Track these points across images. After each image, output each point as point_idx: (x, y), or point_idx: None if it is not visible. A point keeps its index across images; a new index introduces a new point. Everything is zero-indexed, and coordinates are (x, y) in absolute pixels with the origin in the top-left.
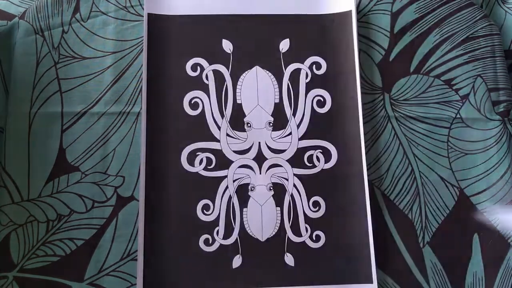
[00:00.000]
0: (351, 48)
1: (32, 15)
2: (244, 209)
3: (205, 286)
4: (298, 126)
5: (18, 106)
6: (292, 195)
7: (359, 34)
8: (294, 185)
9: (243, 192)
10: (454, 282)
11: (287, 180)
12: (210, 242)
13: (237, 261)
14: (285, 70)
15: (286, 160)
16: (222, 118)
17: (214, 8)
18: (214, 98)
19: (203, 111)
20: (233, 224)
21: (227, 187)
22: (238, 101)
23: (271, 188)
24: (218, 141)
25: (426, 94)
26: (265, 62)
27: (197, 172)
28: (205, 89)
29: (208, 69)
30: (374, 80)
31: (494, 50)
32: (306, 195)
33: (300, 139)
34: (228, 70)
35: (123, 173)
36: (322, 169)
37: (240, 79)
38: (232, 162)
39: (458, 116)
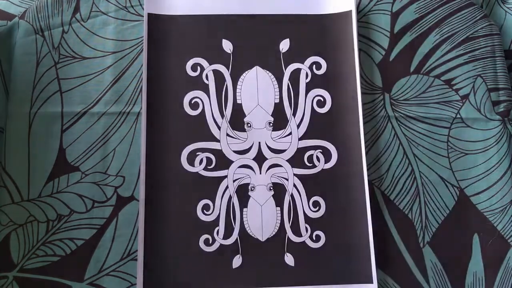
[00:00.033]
0: (351, 48)
1: (32, 15)
2: (244, 209)
3: (205, 286)
4: (298, 126)
5: (18, 106)
6: (292, 195)
7: (359, 34)
8: (294, 185)
9: (243, 192)
10: (454, 282)
11: (287, 180)
12: (210, 242)
13: (237, 261)
14: (285, 70)
15: (286, 160)
16: (222, 118)
17: (214, 8)
18: (214, 98)
19: (203, 111)
20: (233, 224)
21: (227, 187)
22: (238, 101)
23: (271, 188)
24: (218, 141)
25: (426, 94)
26: (265, 62)
27: (197, 172)
28: (205, 89)
29: (208, 69)
30: (374, 80)
31: (494, 50)
32: (306, 195)
33: (300, 139)
34: (228, 70)
35: (123, 173)
36: (322, 169)
37: (240, 79)
38: (232, 162)
39: (458, 116)
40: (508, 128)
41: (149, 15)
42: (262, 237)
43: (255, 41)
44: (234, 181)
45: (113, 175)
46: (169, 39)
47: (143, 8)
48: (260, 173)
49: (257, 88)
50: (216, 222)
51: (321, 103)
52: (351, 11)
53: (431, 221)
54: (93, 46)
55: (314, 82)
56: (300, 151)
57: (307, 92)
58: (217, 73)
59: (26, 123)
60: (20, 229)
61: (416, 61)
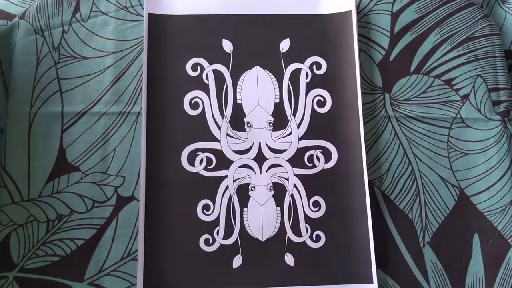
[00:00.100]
0: (351, 48)
1: (32, 15)
2: (244, 209)
3: (205, 286)
4: (298, 126)
5: (18, 106)
6: (292, 195)
7: (359, 34)
8: (294, 185)
9: (243, 192)
10: (454, 282)
11: (287, 180)
12: (210, 242)
13: (237, 261)
14: (285, 70)
15: (286, 160)
16: (222, 118)
17: (214, 8)
18: (214, 98)
19: (203, 111)
20: (233, 224)
21: (227, 187)
22: (238, 101)
23: (271, 188)
24: (218, 141)
25: (426, 94)
26: (265, 62)
27: (197, 172)
28: (205, 89)
29: (208, 69)
30: (374, 80)
31: (494, 50)
32: (306, 195)
33: (300, 139)
34: (228, 70)
35: (123, 173)
36: (322, 169)
37: (240, 79)
38: (232, 162)
39: (458, 116)
40: (508, 128)
41: (149, 15)
42: (262, 237)
43: (255, 41)
44: (234, 181)
45: (113, 175)
46: (169, 39)
47: (143, 8)
48: (260, 173)
49: (257, 88)
50: (216, 222)
51: (321, 103)
52: (351, 11)
53: (431, 221)
54: (93, 46)
55: (314, 82)
56: (300, 151)
57: (307, 92)
58: (217, 73)
59: (26, 123)
60: (20, 229)
61: (416, 61)
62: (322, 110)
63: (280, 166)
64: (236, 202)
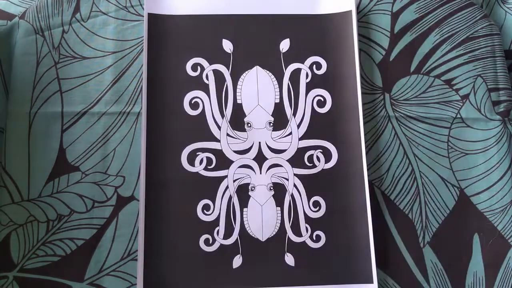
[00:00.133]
0: (351, 48)
1: (32, 15)
2: (245, 209)
3: (205, 286)
4: (299, 126)
5: (18, 106)
6: (292, 195)
7: (359, 34)
8: (295, 185)
9: (243, 192)
10: (455, 282)
11: (287, 180)
12: (210, 242)
13: (237, 261)
14: (285, 70)
15: (287, 160)
16: (223, 118)
17: (214, 8)
18: (214, 98)
19: (203, 111)
20: (234, 224)
21: (227, 187)
22: (239, 101)
23: (271, 188)
24: (219, 141)
25: (426, 94)
26: (265, 62)
27: (197, 172)
28: (205, 89)
29: (208, 69)
30: (374, 80)
31: (494, 50)
32: (307, 195)
33: (300, 139)
34: (228, 70)
35: (123, 173)
36: (322, 169)
37: (240, 79)
38: (232, 162)
39: (458, 116)
40: (508, 128)
41: (149, 15)
42: (262, 237)
43: (255, 41)
44: (234, 181)
45: (113, 175)
46: (169, 39)
47: (143, 8)
48: (260, 173)
49: (257, 88)
50: (216, 222)
51: (321, 103)
52: (351, 11)
53: (431, 221)
54: (93, 46)
55: (314, 82)
56: (300, 151)
57: (307, 92)
58: (217, 73)
59: (26, 123)
60: (20, 229)
61: (416, 61)
62: (322, 110)
63: (280, 166)
64: (236, 202)
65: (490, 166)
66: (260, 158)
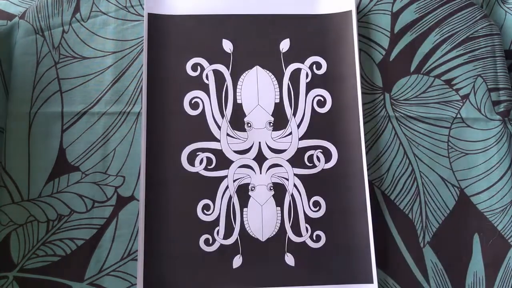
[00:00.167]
0: (351, 48)
1: (32, 15)
2: (245, 209)
3: (205, 286)
4: (299, 126)
5: (18, 106)
6: (292, 195)
7: (359, 34)
8: (295, 185)
9: (244, 192)
10: (455, 282)
11: (287, 180)
12: (211, 242)
13: (237, 261)
14: (285, 70)
15: (287, 160)
16: (223, 118)
17: (214, 8)
18: (215, 98)
19: (203, 111)
20: (234, 224)
21: (227, 187)
22: (239, 101)
23: (272, 188)
24: (219, 141)
25: (427, 94)
26: (265, 62)
27: (197, 172)
28: (205, 89)
29: (208, 69)
30: (374, 80)
31: (494, 50)
32: (307, 195)
33: (300, 139)
34: (228, 70)
35: (123, 173)
36: (322, 169)
37: (240, 79)
38: (232, 162)
39: (458, 116)
40: (508, 128)
41: (149, 15)
42: (263, 237)
43: (255, 41)
44: (234, 181)
45: (113, 175)
46: (169, 39)
47: (143, 8)
48: (260, 173)
49: (257, 88)
50: (216, 222)
51: (321, 103)
52: (351, 11)
53: (431, 221)
54: (93, 46)
55: (314, 82)
56: (300, 151)
57: (307, 92)
58: (217, 73)
59: (26, 123)
60: (20, 229)
61: (416, 61)
62: (322, 110)
63: (280, 166)
64: (236, 202)
65: (490, 166)
66: (260, 158)
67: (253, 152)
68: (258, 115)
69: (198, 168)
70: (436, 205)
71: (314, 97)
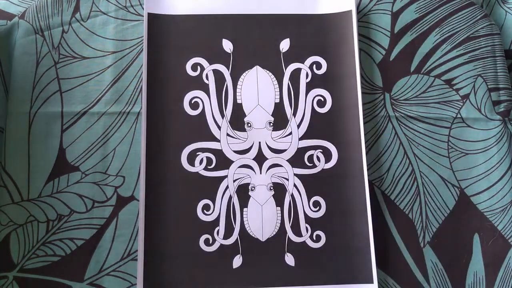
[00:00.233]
0: (351, 48)
1: (32, 15)
2: (245, 209)
3: (205, 286)
4: (299, 126)
5: (18, 106)
6: (292, 195)
7: (359, 34)
8: (295, 185)
9: (244, 192)
10: (455, 282)
11: (287, 180)
12: (211, 242)
13: (237, 261)
14: (285, 70)
15: (287, 160)
16: (223, 118)
17: (214, 8)
18: (214, 98)
19: (203, 111)
20: (234, 224)
21: (227, 187)
22: (239, 101)
23: (272, 188)
24: (218, 141)
25: (427, 94)
26: (265, 62)
27: (197, 172)
28: (205, 89)
29: (208, 69)
30: (374, 80)
31: (495, 50)
32: (307, 195)
33: (300, 139)
34: (228, 70)
35: (123, 173)
36: (322, 169)
37: (240, 79)
38: (232, 162)
39: (458, 116)
40: (508, 128)
41: (149, 15)
42: (263, 237)
43: (255, 41)
44: (234, 181)
45: (113, 175)
46: (169, 39)
47: (143, 8)
48: (260, 173)
49: (257, 88)
50: (216, 222)
51: (322, 103)
52: (351, 11)
53: (431, 221)
54: (93, 46)
55: (314, 82)
56: (301, 151)
57: (307, 92)
58: (217, 73)
59: (26, 123)
60: (20, 229)
61: (417, 61)
62: (322, 110)
63: (280, 166)
64: (236, 202)
65: (490, 166)
66: (260, 158)
67: (253, 152)
68: (258, 115)
69: (198, 168)
70: (436, 205)
71: (314, 97)
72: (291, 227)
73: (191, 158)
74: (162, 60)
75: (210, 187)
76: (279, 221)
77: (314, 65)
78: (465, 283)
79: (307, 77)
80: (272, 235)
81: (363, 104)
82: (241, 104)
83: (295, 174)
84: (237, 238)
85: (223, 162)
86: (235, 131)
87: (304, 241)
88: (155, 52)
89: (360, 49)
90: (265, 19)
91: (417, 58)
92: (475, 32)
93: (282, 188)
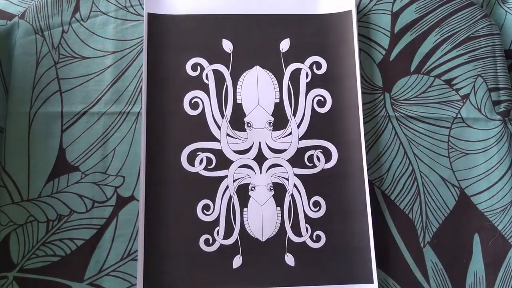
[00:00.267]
0: (351, 48)
1: (32, 15)
2: (245, 209)
3: (205, 286)
4: (299, 126)
5: (18, 106)
6: (292, 195)
7: (359, 34)
8: (295, 185)
9: (244, 192)
10: (455, 282)
11: (287, 180)
12: (210, 242)
13: (237, 261)
14: (285, 70)
15: (287, 160)
16: (222, 118)
17: (214, 8)
18: (214, 98)
19: (203, 111)
20: (234, 224)
21: (227, 187)
22: (238, 101)
23: (272, 188)
24: (218, 141)
25: (427, 94)
26: (265, 62)
27: (197, 172)
28: (205, 89)
29: (208, 69)
30: (374, 80)
31: (495, 50)
32: (307, 195)
33: (300, 139)
34: (228, 70)
35: (123, 173)
36: (322, 169)
37: (240, 79)
38: (232, 162)
39: (458, 116)
40: (508, 128)
41: (149, 15)
42: (263, 237)
43: (255, 41)
44: (234, 181)
45: (113, 175)
46: (169, 39)
47: (143, 8)
48: (260, 173)
49: (257, 88)
50: (216, 222)
51: (322, 103)
52: (351, 11)
53: (431, 221)
54: (93, 46)
55: (314, 82)
56: (301, 151)
57: (307, 92)
58: (217, 73)
59: (26, 123)
60: (20, 229)
61: (417, 61)
62: (322, 110)
63: (280, 166)
64: (236, 202)
65: (490, 166)
66: (260, 158)
67: (253, 152)
68: (258, 115)
69: (198, 168)
70: (436, 205)
71: (314, 97)
72: (291, 227)
73: (191, 158)
74: (162, 60)
75: (210, 187)
76: (279, 221)
77: (314, 65)
78: (465, 283)
79: (307, 77)
80: (272, 235)
81: (363, 104)
82: (241, 104)
83: (295, 174)
84: (237, 238)
85: (223, 162)
86: (235, 131)
87: (304, 241)
88: (155, 52)
89: (360, 49)
90: (265, 19)
91: (417, 58)
92: (475, 32)
93: (282, 188)
